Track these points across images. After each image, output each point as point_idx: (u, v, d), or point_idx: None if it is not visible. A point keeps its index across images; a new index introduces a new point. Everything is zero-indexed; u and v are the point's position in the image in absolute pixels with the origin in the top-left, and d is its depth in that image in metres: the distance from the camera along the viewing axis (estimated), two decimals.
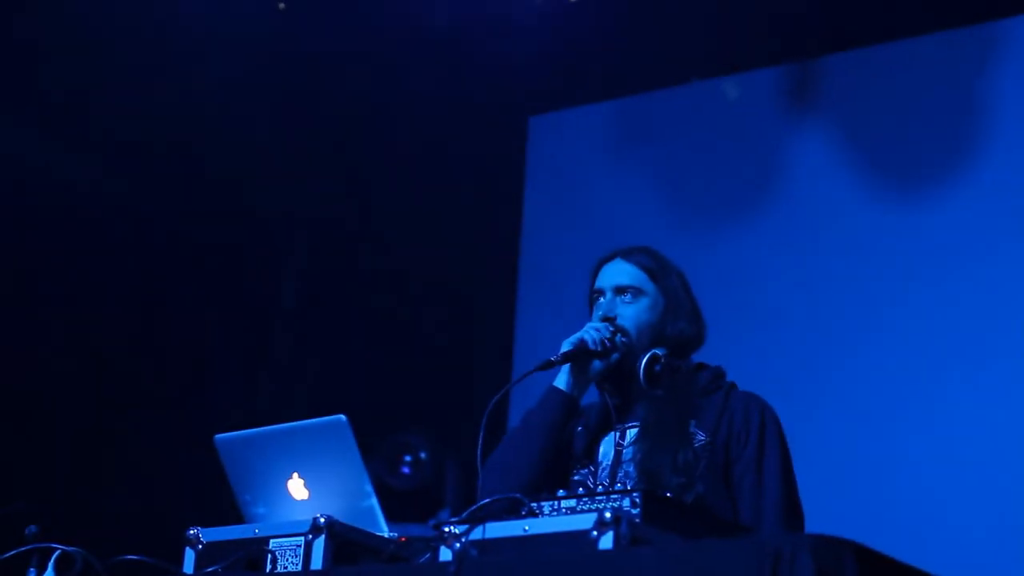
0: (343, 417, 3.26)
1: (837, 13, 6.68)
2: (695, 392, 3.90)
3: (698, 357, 4.03)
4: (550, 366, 3.86)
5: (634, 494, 2.89)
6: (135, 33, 6.84)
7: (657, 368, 3.86)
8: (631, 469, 3.80)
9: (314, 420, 3.32)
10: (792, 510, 3.79)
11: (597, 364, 3.89)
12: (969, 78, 6.44)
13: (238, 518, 3.43)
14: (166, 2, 6.80)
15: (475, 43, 7.10)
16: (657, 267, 4.03)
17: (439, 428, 7.36)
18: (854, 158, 6.68)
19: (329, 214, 7.81)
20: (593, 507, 2.90)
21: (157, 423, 7.08)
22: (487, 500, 3.01)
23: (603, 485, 3.82)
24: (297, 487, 3.34)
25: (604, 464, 3.88)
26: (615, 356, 3.89)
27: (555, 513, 2.96)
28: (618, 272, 4.02)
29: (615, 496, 2.91)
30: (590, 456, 3.92)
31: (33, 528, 3.38)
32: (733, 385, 3.97)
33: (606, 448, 3.90)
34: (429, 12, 6.98)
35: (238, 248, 7.64)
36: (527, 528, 2.89)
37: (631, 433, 3.88)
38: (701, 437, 3.80)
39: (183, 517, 3.54)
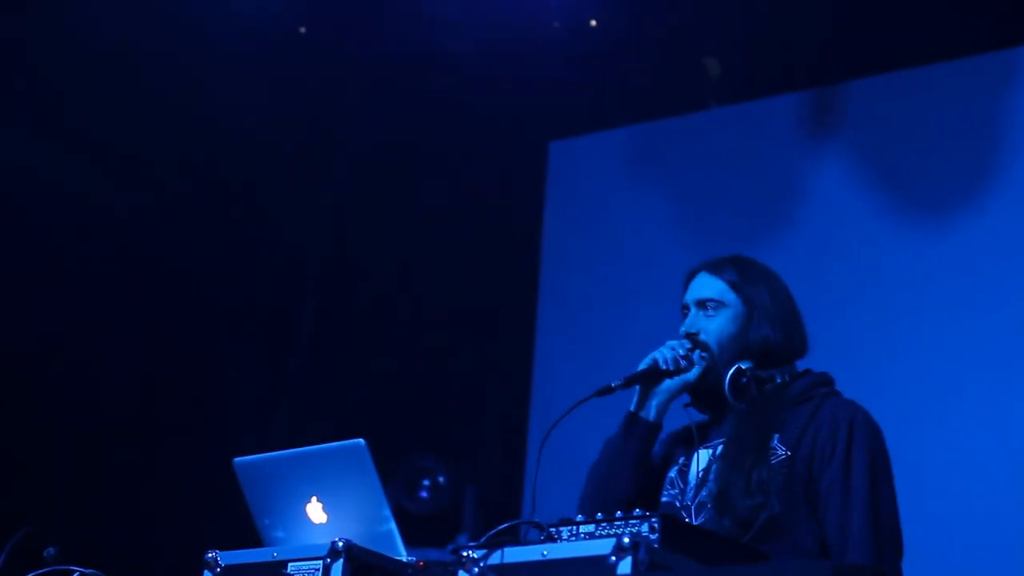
0: (362, 441, 3.26)
1: (857, 39, 6.68)
2: (783, 404, 3.72)
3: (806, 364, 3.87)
4: (610, 391, 3.72)
5: (653, 519, 2.89)
6: (160, 58, 6.88)
7: (743, 381, 3.72)
8: (714, 488, 3.67)
9: (333, 444, 3.32)
10: (882, 533, 3.56)
11: (669, 383, 3.78)
12: (988, 105, 6.43)
13: (257, 541, 3.43)
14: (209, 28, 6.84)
15: (496, 68, 7.12)
16: (742, 277, 3.86)
17: (457, 452, 7.35)
18: (873, 184, 6.67)
19: (346, 238, 7.82)
20: (612, 532, 2.89)
21: (175, 446, 7.09)
22: (505, 525, 3.01)
23: (689, 506, 3.72)
24: (316, 511, 3.34)
25: (692, 484, 3.75)
26: (693, 373, 3.76)
27: (573, 538, 2.95)
28: (701, 286, 3.87)
29: (634, 521, 2.90)
30: (682, 475, 3.80)
31: (51, 550, 3.39)
32: (831, 394, 3.78)
33: (696, 467, 3.77)
34: (450, 37, 7.00)
35: (255, 271, 7.65)
36: (545, 553, 2.89)
37: (719, 450, 3.74)
38: (781, 452, 3.63)
39: (202, 540, 3.55)
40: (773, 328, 3.80)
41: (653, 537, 2.86)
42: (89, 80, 6.80)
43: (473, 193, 7.58)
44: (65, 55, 6.72)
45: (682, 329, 3.84)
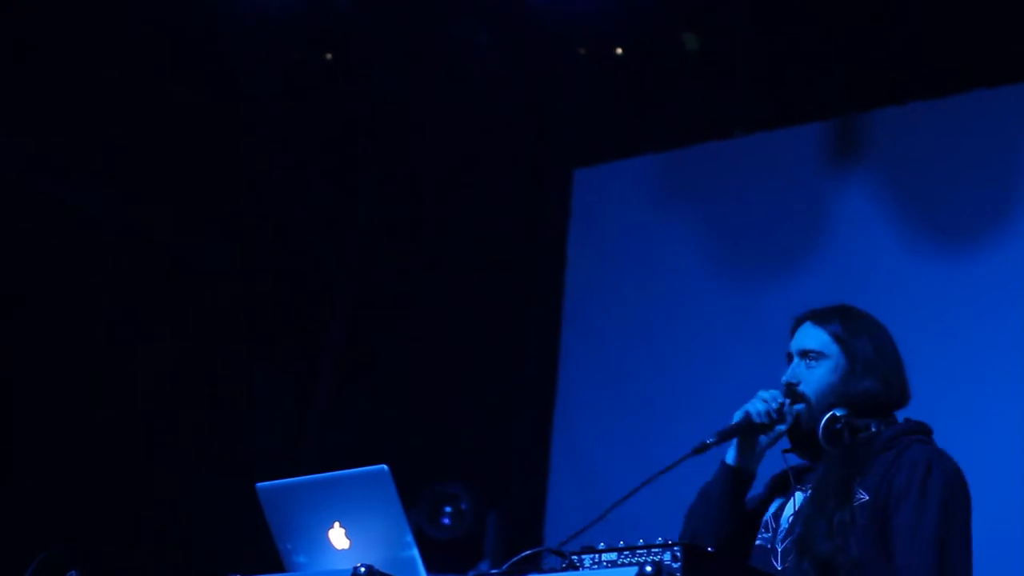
0: (385, 467, 3.26)
1: (881, 69, 6.69)
2: (872, 450, 3.74)
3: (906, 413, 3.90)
4: (705, 449, 3.72)
5: (675, 548, 2.88)
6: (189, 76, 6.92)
7: (837, 427, 3.76)
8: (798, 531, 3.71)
9: (356, 470, 3.32)
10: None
11: (762, 436, 3.82)
12: (1012, 134, 6.42)
13: (279, 566, 3.43)
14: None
15: (521, 95, 7.14)
16: (846, 329, 3.91)
17: (480, 479, 7.35)
18: (898, 214, 6.67)
19: (373, 265, 7.83)
20: (634, 560, 2.89)
21: (199, 470, 7.10)
22: (527, 552, 3.00)
23: (777, 549, 3.74)
24: (338, 536, 3.34)
25: (783, 527, 3.79)
26: (783, 426, 3.81)
27: (596, 566, 2.95)
28: (804, 336, 3.95)
29: (656, 549, 2.90)
30: (776, 519, 3.84)
31: (74, 573, 3.39)
32: (921, 440, 3.80)
33: (790, 510, 3.80)
34: (475, 63, 7.02)
35: (285, 297, 7.67)
36: None
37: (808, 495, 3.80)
38: (863, 497, 3.66)
39: (224, 564, 3.55)
40: (874, 380, 3.84)
41: (676, 566, 2.86)
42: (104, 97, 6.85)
43: (498, 220, 7.59)
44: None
45: (784, 378, 3.89)
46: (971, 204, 6.49)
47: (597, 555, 2.97)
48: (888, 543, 3.61)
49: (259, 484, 3.47)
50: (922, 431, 3.84)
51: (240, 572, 3.34)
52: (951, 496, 3.65)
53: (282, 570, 3.41)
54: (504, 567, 2.97)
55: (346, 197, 7.74)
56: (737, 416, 3.81)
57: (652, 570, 2.77)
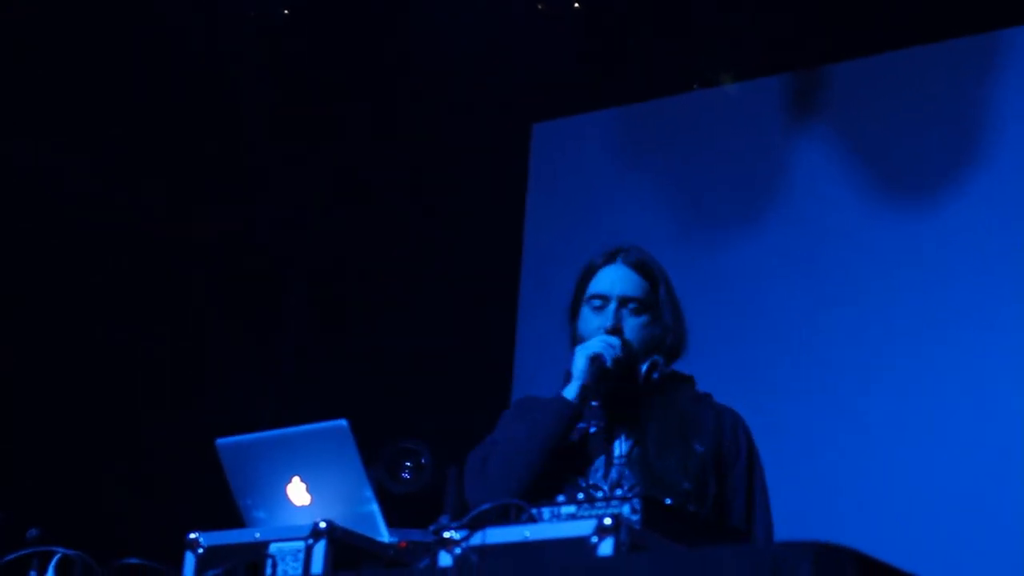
0: (344, 422, 3.26)
1: (839, 22, 6.69)
2: (688, 403, 3.87)
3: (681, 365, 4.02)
4: (580, 411, 3.82)
5: (634, 500, 2.90)
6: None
7: (655, 376, 3.84)
8: (627, 472, 3.78)
9: (315, 425, 3.32)
10: (771, 538, 3.78)
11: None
12: (971, 87, 6.45)
13: (239, 522, 3.43)
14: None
15: (478, 49, 7.11)
16: (658, 274, 3.98)
17: (440, 434, 7.35)
18: (856, 166, 6.68)
19: (332, 220, 7.81)
20: (593, 513, 2.90)
21: (158, 426, 7.08)
22: (487, 505, 3.01)
23: (602, 490, 3.80)
24: (298, 492, 3.34)
25: (596, 468, 3.85)
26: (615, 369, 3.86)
27: (555, 519, 2.96)
28: (622, 280, 3.97)
29: (615, 502, 2.91)
30: (584, 460, 3.88)
31: (34, 531, 3.38)
32: (709, 395, 3.97)
33: (596, 453, 3.86)
34: (432, 18, 6.99)
35: (243, 253, 7.64)
36: (528, 534, 2.89)
37: (623, 439, 3.85)
38: (699, 448, 3.77)
39: (183, 521, 3.55)
40: (679, 329, 3.98)
41: (635, 518, 2.87)
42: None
43: (455, 175, 7.57)
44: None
45: (609, 324, 3.91)
46: (929, 156, 6.52)
47: (556, 508, 2.98)
48: (721, 499, 3.76)
49: (218, 440, 3.46)
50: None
51: (201, 529, 3.33)
52: (755, 452, 3.87)
53: (242, 526, 3.41)
54: (464, 520, 2.97)
55: (303, 149, 7.70)
56: (582, 361, 3.83)
57: (611, 522, 2.77)
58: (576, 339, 3.97)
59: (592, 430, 3.88)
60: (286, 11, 7.22)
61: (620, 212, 7.20)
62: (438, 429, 7.34)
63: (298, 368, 7.72)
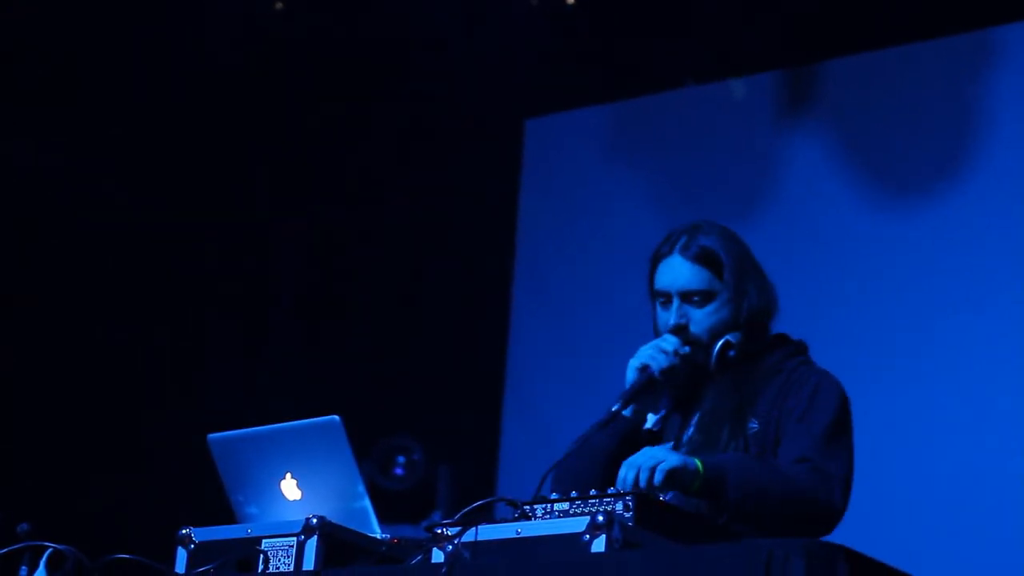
0: (336, 418, 3.26)
1: (833, 19, 6.69)
2: (760, 375, 3.71)
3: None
4: (613, 419, 3.64)
5: (627, 497, 2.90)
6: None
7: (731, 354, 3.69)
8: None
9: (307, 420, 3.32)
10: (825, 470, 3.51)
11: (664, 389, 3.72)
12: (965, 84, 6.44)
13: (230, 518, 3.43)
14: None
15: (471, 45, 7.10)
16: (723, 257, 3.78)
17: (433, 430, 7.35)
18: (850, 164, 6.69)
19: (325, 215, 7.80)
20: (586, 510, 2.90)
21: (150, 421, 7.08)
22: (479, 502, 3.01)
23: None
24: (290, 487, 3.34)
25: None
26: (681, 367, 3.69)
27: (548, 516, 2.96)
28: (682, 274, 3.79)
29: (608, 499, 2.91)
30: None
31: (25, 526, 3.38)
32: (803, 363, 3.77)
33: (668, 439, 3.72)
34: (424, 13, 6.98)
35: (236, 248, 7.64)
36: (519, 531, 2.89)
37: (693, 423, 3.73)
38: (754, 426, 3.62)
39: (175, 516, 3.54)
40: (756, 298, 3.77)
41: (627, 515, 2.87)
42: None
43: (448, 171, 7.56)
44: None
45: (671, 322, 3.76)
46: (923, 154, 6.52)
47: (549, 505, 2.98)
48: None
49: (210, 435, 3.46)
50: (802, 351, 3.81)
51: (193, 525, 3.33)
52: (837, 407, 3.65)
53: (234, 522, 3.41)
54: (456, 517, 2.97)
55: (296, 143, 7.70)
56: (634, 372, 3.68)
57: (604, 519, 2.77)
58: (655, 331, 3.84)
59: (662, 416, 3.75)
60: (279, 5, 7.20)
61: (613, 208, 7.19)
62: (430, 427, 7.36)
63: (288, 362, 7.71)
